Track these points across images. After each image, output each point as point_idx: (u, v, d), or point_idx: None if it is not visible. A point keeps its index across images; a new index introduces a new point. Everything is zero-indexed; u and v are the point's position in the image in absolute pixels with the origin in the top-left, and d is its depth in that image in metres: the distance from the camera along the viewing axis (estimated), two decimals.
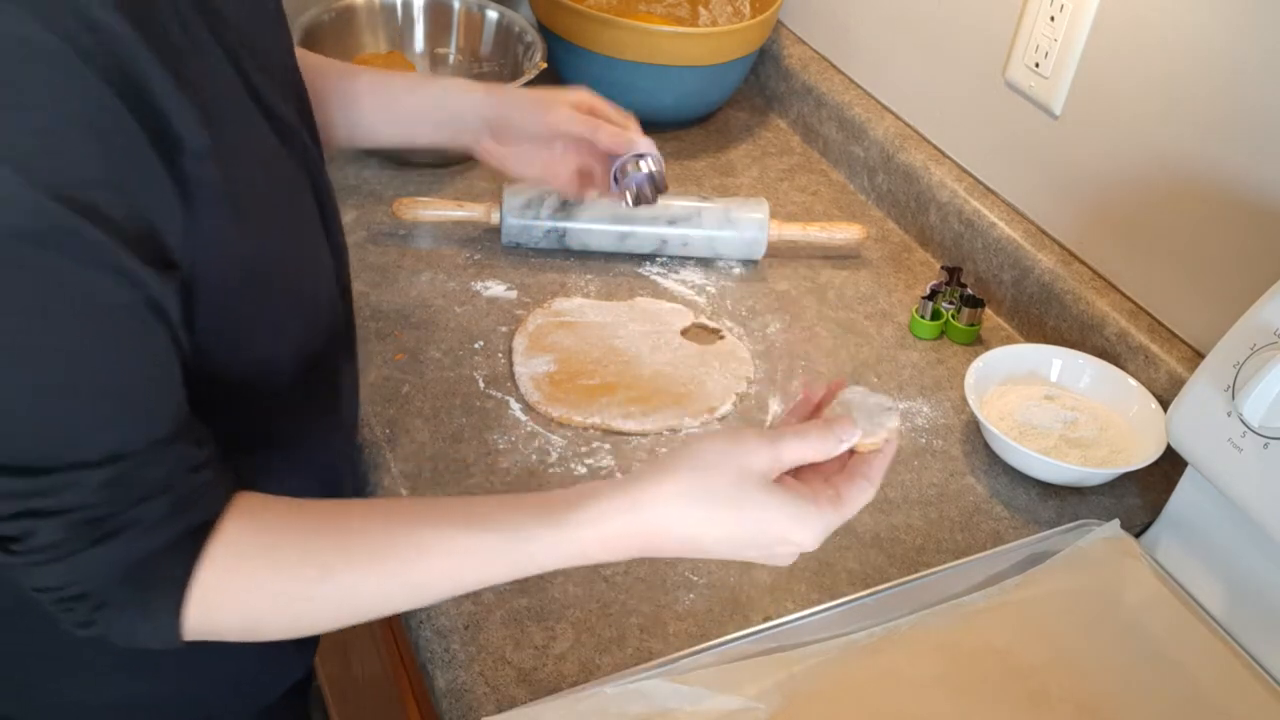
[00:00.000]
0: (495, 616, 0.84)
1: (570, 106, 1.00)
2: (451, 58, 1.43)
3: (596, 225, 1.18)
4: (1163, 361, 1.04)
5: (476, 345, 1.08)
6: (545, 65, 1.31)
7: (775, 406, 1.05)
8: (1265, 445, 0.82)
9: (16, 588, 0.63)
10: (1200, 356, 1.01)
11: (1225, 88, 0.96)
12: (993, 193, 1.23)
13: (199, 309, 0.64)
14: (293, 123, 0.72)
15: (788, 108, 1.47)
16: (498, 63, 1.41)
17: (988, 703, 0.81)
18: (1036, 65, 1.13)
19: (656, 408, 1.02)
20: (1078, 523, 0.96)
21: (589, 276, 1.18)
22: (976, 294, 1.17)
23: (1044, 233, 1.17)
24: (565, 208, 1.18)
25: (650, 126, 1.40)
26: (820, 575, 0.91)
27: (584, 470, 0.97)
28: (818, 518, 0.63)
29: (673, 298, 1.17)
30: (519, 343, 1.08)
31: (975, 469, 1.02)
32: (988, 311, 1.20)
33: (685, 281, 1.19)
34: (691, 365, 1.08)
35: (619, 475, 0.95)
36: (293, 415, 0.77)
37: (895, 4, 1.31)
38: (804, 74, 1.43)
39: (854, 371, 1.11)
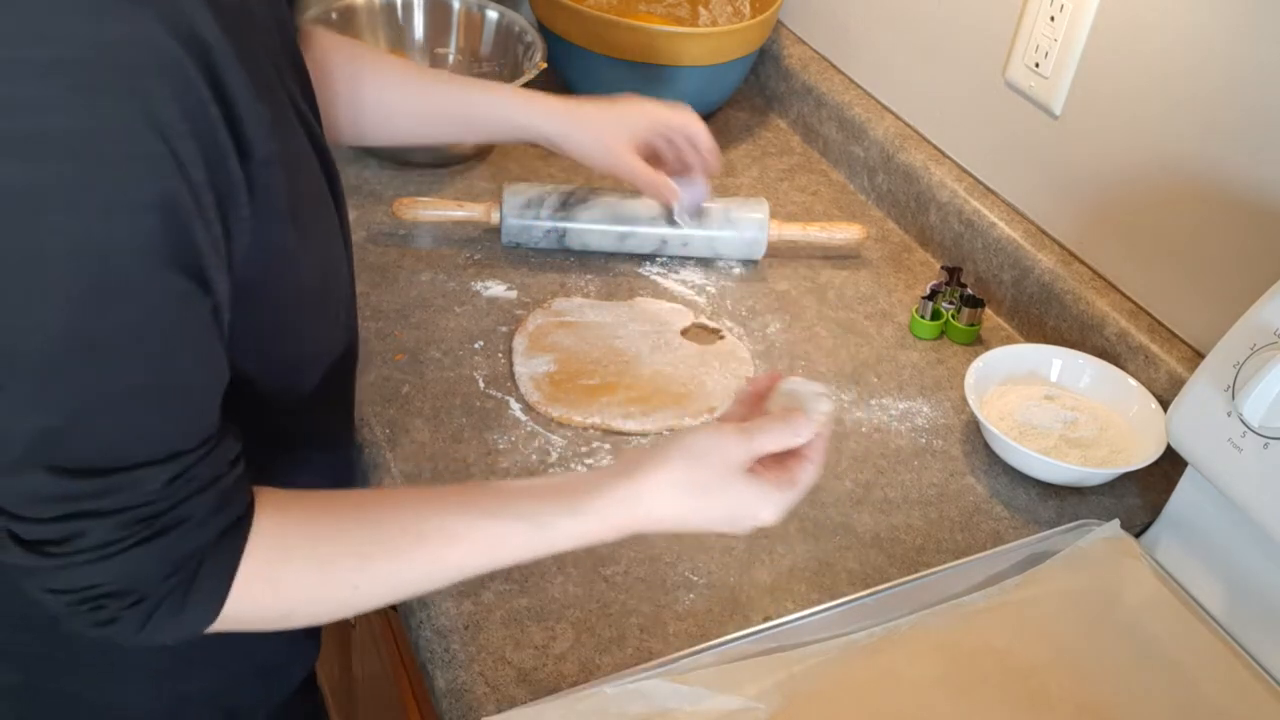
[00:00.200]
0: (495, 616, 0.84)
1: (637, 152, 1.03)
2: (451, 58, 1.43)
3: (596, 225, 1.18)
4: (1163, 361, 1.04)
5: (476, 345, 1.08)
6: (545, 65, 1.31)
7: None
8: (1265, 445, 0.82)
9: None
10: (1200, 356, 1.01)
11: (1225, 88, 0.96)
12: (993, 193, 1.23)
13: (248, 313, 0.65)
14: (315, 127, 0.73)
15: (788, 108, 1.47)
16: (498, 63, 1.41)
17: (988, 703, 0.81)
18: (1036, 65, 1.13)
19: (656, 408, 1.02)
20: (1078, 523, 0.96)
21: (589, 276, 1.18)
22: (976, 294, 1.17)
23: (1044, 233, 1.17)
24: (565, 207, 1.18)
25: None
26: (820, 575, 0.91)
27: (584, 470, 0.97)
28: (779, 498, 0.73)
29: (673, 298, 1.17)
30: (519, 343, 1.08)
31: (975, 469, 1.02)
32: (988, 311, 1.20)
33: (685, 281, 1.19)
34: (691, 365, 1.08)
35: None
36: (307, 415, 0.78)
37: (895, 4, 1.31)
38: (804, 74, 1.43)
39: (854, 371, 1.11)
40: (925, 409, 1.07)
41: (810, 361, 1.11)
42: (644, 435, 1.00)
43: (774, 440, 0.73)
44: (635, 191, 1.19)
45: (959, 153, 1.27)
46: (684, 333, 1.12)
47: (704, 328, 1.13)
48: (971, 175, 1.25)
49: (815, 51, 1.46)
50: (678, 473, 0.71)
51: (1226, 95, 0.96)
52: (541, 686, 0.80)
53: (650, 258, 1.21)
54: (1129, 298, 1.10)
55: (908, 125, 1.33)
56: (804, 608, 0.87)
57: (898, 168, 1.30)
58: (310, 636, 0.92)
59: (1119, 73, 1.06)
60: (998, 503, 0.99)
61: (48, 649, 0.77)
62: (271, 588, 0.66)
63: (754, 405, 0.79)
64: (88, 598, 0.62)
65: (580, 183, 1.25)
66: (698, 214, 1.10)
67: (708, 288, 1.19)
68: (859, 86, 1.39)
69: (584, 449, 0.98)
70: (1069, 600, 0.89)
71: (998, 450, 1.02)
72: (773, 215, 1.23)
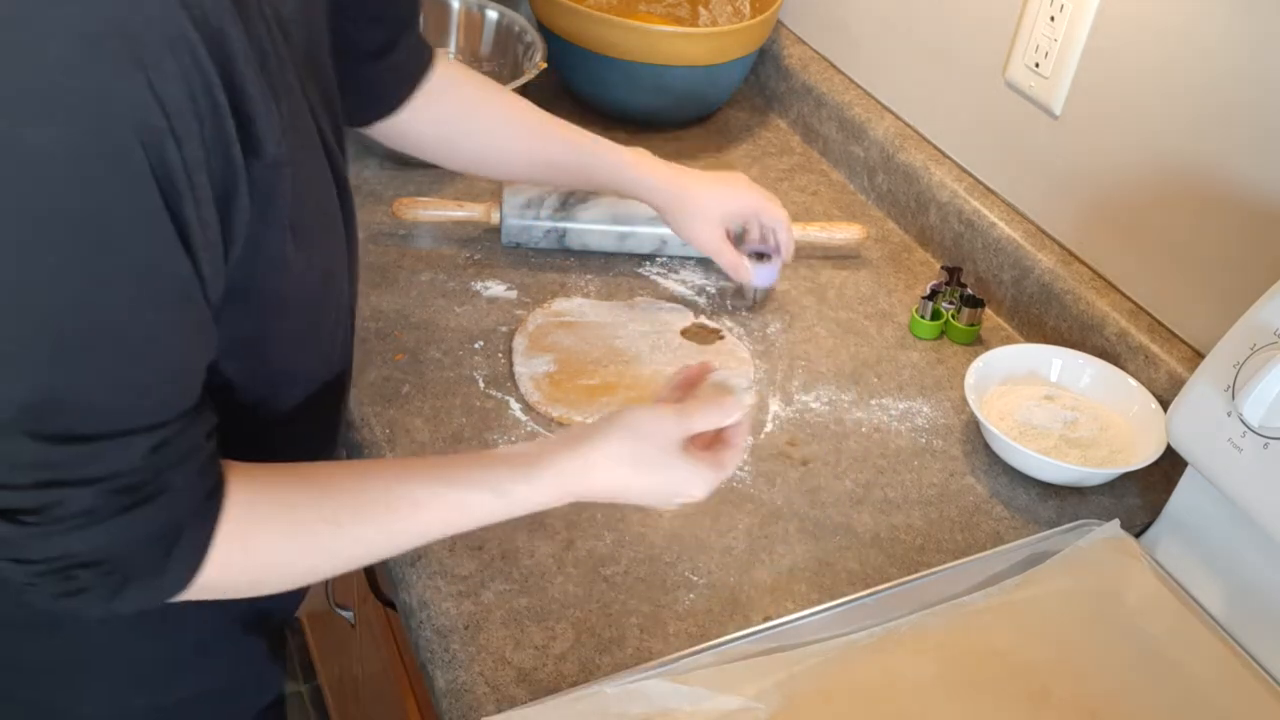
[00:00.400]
0: (495, 616, 0.84)
1: (722, 229, 1.08)
2: (451, 57, 1.43)
3: (596, 225, 1.18)
4: (1163, 361, 1.04)
5: (476, 345, 1.08)
6: (545, 65, 1.31)
7: (775, 406, 1.05)
8: (1265, 445, 0.82)
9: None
10: (1200, 356, 1.01)
11: (1225, 88, 0.96)
12: (993, 193, 1.23)
13: (231, 317, 0.65)
14: (333, 145, 0.74)
15: (788, 108, 1.47)
16: (497, 63, 1.41)
17: (988, 703, 0.81)
18: (1036, 65, 1.13)
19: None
20: (1078, 523, 0.96)
21: (589, 276, 1.18)
22: (976, 294, 1.17)
23: (1044, 233, 1.17)
24: (565, 207, 1.18)
25: (650, 126, 1.41)
26: (820, 575, 0.91)
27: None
28: (709, 476, 0.78)
29: (673, 298, 1.17)
30: (519, 343, 1.08)
31: (975, 469, 1.02)
32: (988, 311, 1.20)
33: (685, 281, 1.19)
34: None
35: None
36: (285, 430, 0.78)
37: (895, 4, 1.31)
38: (804, 74, 1.43)
39: (854, 371, 1.11)
40: (925, 409, 1.07)
41: (810, 361, 1.11)
42: None
43: (706, 420, 0.78)
44: None
45: (959, 153, 1.27)
46: (684, 333, 1.12)
47: (704, 328, 1.13)
48: (971, 175, 1.25)
49: (815, 51, 1.46)
50: (624, 446, 0.75)
51: (1226, 95, 0.96)
52: (541, 686, 0.80)
53: (650, 258, 1.21)
54: (1129, 298, 1.10)
55: (908, 125, 1.33)
56: (804, 608, 0.87)
57: (898, 168, 1.30)
58: (275, 661, 0.91)
59: (1119, 73, 1.06)
60: (998, 503, 0.99)
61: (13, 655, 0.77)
62: (245, 554, 0.67)
63: (684, 392, 0.85)
64: (59, 567, 0.61)
65: None
66: (764, 295, 1.18)
67: (708, 288, 1.19)
68: (859, 86, 1.39)
69: None
70: (1069, 600, 0.89)
71: (998, 450, 1.02)
72: None
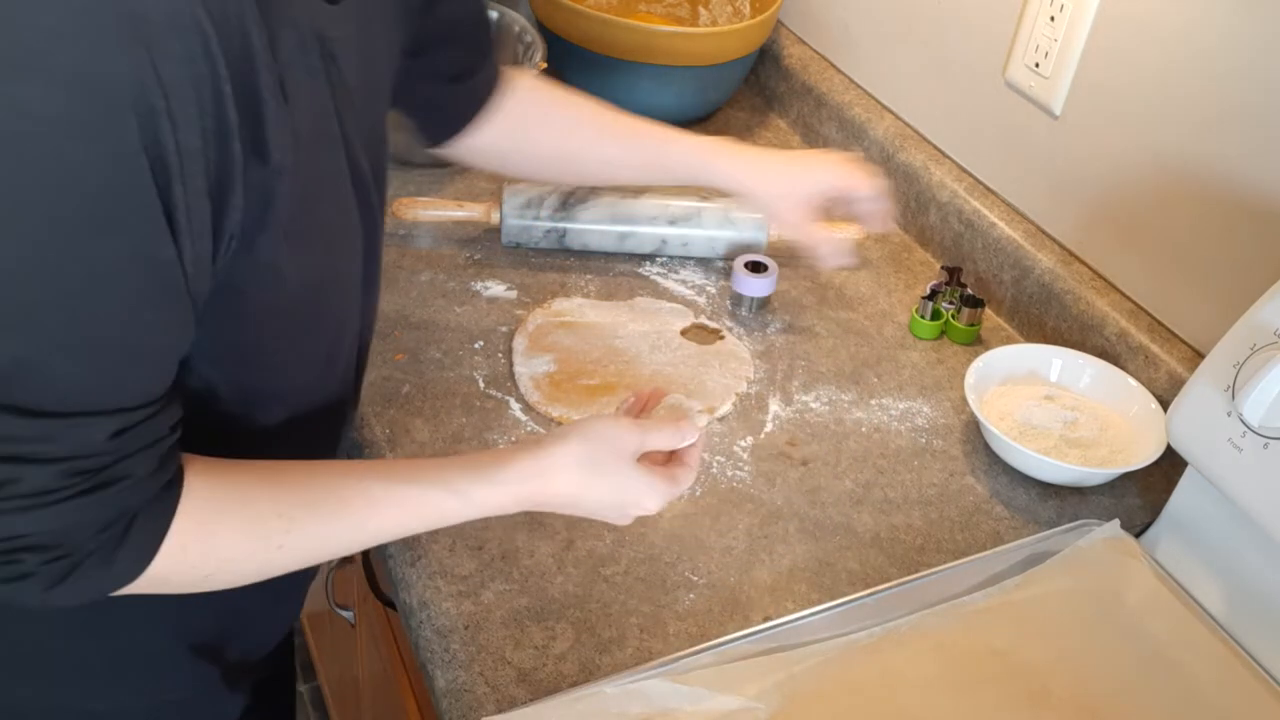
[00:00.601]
0: (495, 616, 0.84)
1: (803, 211, 1.06)
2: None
3: (596, 225, 1.18)
4: (1163, 361, 1.04)
5: (476, 345, 1.08)
6: (545, 65, 1.31)
7: (775, 406, 1.05)
8: (1265, 445, 0.82)
9: None
10: (1200, 356, 1.01)
11: (1225, 87, 0.96)
12: (993, 193, 1.23)
13: (217, 320, 0.65)
14: (367, 178, 0.74)
15: (788, 108, 1.47)
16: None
17: (988, 703, 0.81)
18: (1036, 65, 1.13)
19: (656, 408, 1.02)
20: (1078, 523, 0.96)
21: (589, 276, 1.18)
22: (976, 294, 1.17)
23: (1044, 233, 1.17)
24: (565, 207, 1.18)
25: None
26: (820, 575, 0.91)
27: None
28: (664, 490, 0.78)
29: (673, 298, 1.17)
30: (519, 343, 1.08)
31: (975, 469, 1.02)
32: (988, 311, 1.20)
33: (685, 281, 1.19)
34: (691, 365, 1.08)
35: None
36: (272, 450, 0.76)
37: (895, 4, 1.31)
38: (804, 74, 1.43)
39: (854, 371, 1.11)
40: (925, 409, 1.07)
41: (810, 361, 1.11)
42: None
43: (663, 439, 0.79)
44: (635, 191, 1.19)
45: (959, 153, 1.27)
46: (684, 333, 1.12)
47: (704, 328, 1.13)
48: (971, 175, 1.25)
49: (815, 51, 1.46)
50: (582, 454, 0.76)
51: (1226, 95, 0.96)
52: (541, 686, 0.80)
53: (650, 258, 1.21)
54: (1129, 298, 1.10)
55: (908, 125, 1.33)
56: (804, 608, 0.87)
57: (898, 168, 1.30)
58: (233, 690, 0.90)
59: (1119, 73, 1.06)
60: (998, 503, 0.99)
61: None
62: (200, 547, 0.67)
63: (638, 414, 0.86)
64: (4, 549, 0.60)
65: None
66: (759, 305, 1.17)
67: (708, 288, 1.19)
68: (859, 86, 1.39)
69: None
70: (1069, 600, 0.89)
71: (998, 450, 1.02)
72: None
